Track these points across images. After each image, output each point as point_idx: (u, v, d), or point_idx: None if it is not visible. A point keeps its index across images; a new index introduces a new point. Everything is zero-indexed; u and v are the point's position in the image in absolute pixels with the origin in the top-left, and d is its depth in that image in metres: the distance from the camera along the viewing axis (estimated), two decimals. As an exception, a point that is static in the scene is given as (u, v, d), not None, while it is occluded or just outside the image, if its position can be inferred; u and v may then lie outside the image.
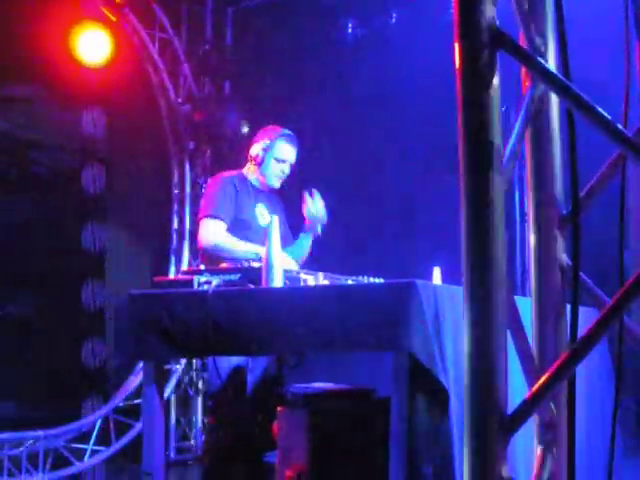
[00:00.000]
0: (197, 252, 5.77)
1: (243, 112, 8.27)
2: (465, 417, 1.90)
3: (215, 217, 5.45)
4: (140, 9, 8.33)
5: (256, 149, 5.71)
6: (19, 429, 7.38)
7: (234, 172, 5.79)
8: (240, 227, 5.50)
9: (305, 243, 5.65)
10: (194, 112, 8.47)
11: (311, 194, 5.54)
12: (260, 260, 5.08)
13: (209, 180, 5.89)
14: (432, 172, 7.64)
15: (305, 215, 5.57)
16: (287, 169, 5.70)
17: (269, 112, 8.05)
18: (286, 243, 5.57)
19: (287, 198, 5.95)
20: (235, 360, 5.21)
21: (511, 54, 1.97)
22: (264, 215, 5.63)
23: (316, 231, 5.61)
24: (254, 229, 5.54)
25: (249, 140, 5.91)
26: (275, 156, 5.65)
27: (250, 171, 5.75)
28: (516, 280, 7.12)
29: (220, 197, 5.51)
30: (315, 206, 5.53)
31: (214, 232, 5.42)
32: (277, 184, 5.73)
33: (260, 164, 5.68)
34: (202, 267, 4.49)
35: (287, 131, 5.76)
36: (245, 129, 8.18)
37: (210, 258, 5.42)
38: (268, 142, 5.67)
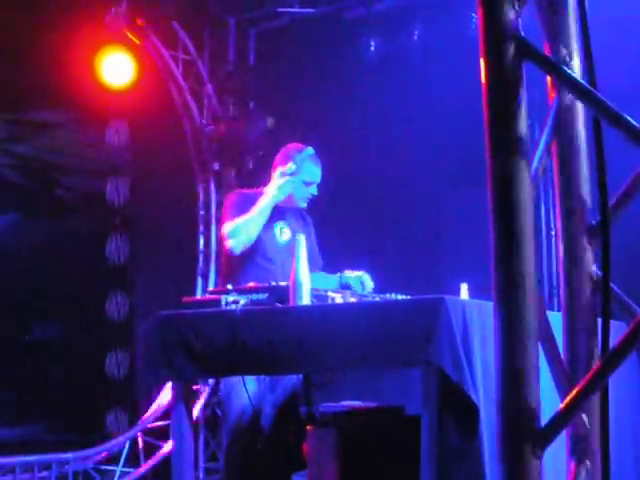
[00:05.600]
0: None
1: (266, 130, 8.27)
2: (497, 431, 1.88)
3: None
4: (163, 31, 8.39)
5: (281, 172, 5.56)
6: (48, 451, 7.40)
7: (254, 190, 5.69)
8: (260, 244, 5.39)
9: (335, 284, 5.52)
10: (218, 133, 8.49)
11: (362, 283, 5.36)
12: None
13: (228, 195, 5.77)
14: (459, 187, 7.62)
15: (350, 283, 5.41)
16: (315, 190, 5.60)
17: (292, 131, 8.06)
18: (313, 265, 5.50)
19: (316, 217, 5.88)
20: (254, 385, 5.14)
21: (537, 64, 1.96)
22: (285, 232, 5.54)
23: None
24: (272, 247, 5.44)
25: (274, 154, 5.80)
26: (304, 179, 5.54)
27: None
28: (544, 295, 7.09)
29: (238, 209, 5.40)
30: (360, 287, 5.37)
31: (228, 230, 5.33)
32: (304, 205, 5.64)
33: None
34: (229, 286, 4.45)
35: (311, 150, 5.64)
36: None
37: (231, 269, 5.38)
38: (294, 166, 5.53)
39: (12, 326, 8.62)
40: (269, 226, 5.47)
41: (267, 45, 8.93)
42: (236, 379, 4.94)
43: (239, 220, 5.29)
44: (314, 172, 5.58)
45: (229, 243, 5.30)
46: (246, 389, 4.84)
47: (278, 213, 5.56)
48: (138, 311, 8.95)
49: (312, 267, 5.30)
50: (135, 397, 8.77)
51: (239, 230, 5.29)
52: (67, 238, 9.02)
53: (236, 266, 5.39)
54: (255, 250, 5.36)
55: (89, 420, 8.70)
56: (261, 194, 5.55)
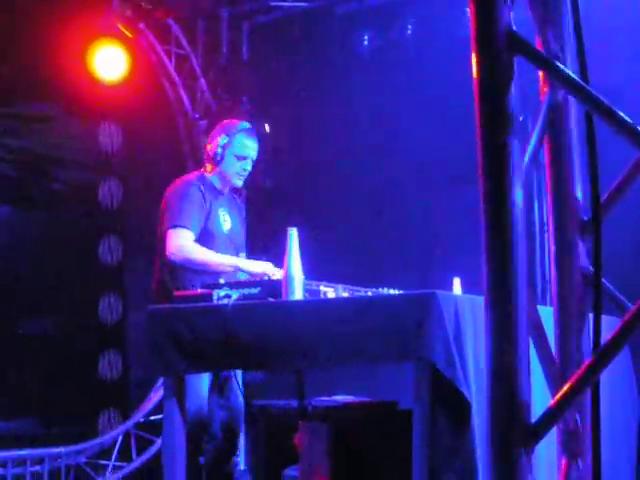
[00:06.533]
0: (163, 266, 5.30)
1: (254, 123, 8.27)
2: (487, 427, 1.88)
3: (182, 227, 5.14)
4: (156, 25, 8.37)
5: (213, 147, 5.37)
6: (41, 445, 7.40)
7: (195, 174, 5.49)
8: (206, 235, 5.24)
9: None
10: (211, 127, 8.48)
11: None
12: (236, 272, 5.01)
13: (173, 187, 5.37)
14: (454, 182, 7.62)
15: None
16: (249, 166, 5.39)
17: (285, 124, 8.06)
18: (240, 251, 5.47)
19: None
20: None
21: (529, 59, 1.95)
22: (226, 220, 5.39)
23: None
24: (217, 236, 5.30)
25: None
26: (235, 153, 5.33)
27: (209, 171, 5.42)
28: (537, 290, 7.09)
29: (186, 205, 5.19)
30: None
31: (183, 244, 5.12)
32: (240, 182, 5.42)
33: (219, 162, 5.35)
34: (221, 280, 4.42)
35: (246, 124, 5.49)
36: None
37: (174, 272, 5.20)
38: (226, 138, 5.33)
39: (6, 319, 8.61)
40: (215, 215, 5.33)
41: (260, 39, 8.91)
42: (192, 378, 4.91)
43: (197, 255, 5.11)
44: (246, 145, 5.37)
45: (172, 256, 5.12)
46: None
47: (220, 199, 5.42)
48: (130, 310, 8.95)
49: (238, 253, 5.34)
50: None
51: (189, 261, 5.11)
52: (62, 230, 9.01)
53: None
54: (204, 242, 5.21)
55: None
56: (204, 179, 5.39)
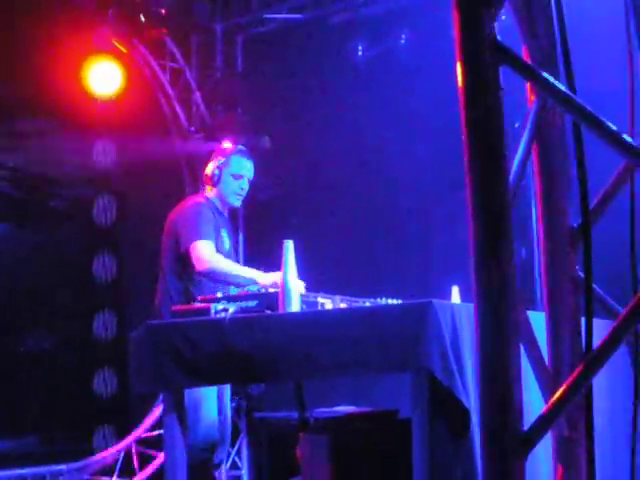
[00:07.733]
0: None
1: (255, 137, 8.27)
2: (481, 435, 1.88)
3: (205, 239, 5.24)
4: (150, 40, 8.38)
5: (211, 168, 5.51)
6: (41, 463, 7.39)
7: (200, 196, 5.62)
8: None
9: None
10: (207, 140, 8.49)
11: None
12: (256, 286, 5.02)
13: (183, 207, 5.53)
14: (450, 189, 7.62)
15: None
16: (245, 184, 5.53)
17: (281, 137, 8.07)
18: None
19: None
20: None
21: (514, 69, 1.96)
22: (226, 241, 5.50)
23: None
24: (222, 254, 5.38)
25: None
26: (231, 172, 5.48)
27: (210, 193, 5.56)
28: (536, 296, 7.09)
29: (203, 222, 5.30)
30: None
31: (209, 254, 5.21)
32: (237, 203, 5.59)
33: (217, 183, 5.49)
34: (219, 294, 4.42)
35: (241, 147, 5.70)
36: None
37: (187, 275, 5.31)
38: (222, 159, 5.49)
39: (3, 337, 8.61)
40: (219, 235, 5.44)
41: (255, 51, 8.93)
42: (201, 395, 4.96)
43: (222, 266, 5.18)
44: (242, 164, 5.52)
45: (200, 266, 5.17)
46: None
47: (221, 219, 5.54)
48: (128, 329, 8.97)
49: None
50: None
51: (219, 271, 5.16)
52: (60, 247, 9.02)
53: (194, 274, 5.33)
54: None
55: (80, 428, 8.70)
56: (208, 200, 5.51)
